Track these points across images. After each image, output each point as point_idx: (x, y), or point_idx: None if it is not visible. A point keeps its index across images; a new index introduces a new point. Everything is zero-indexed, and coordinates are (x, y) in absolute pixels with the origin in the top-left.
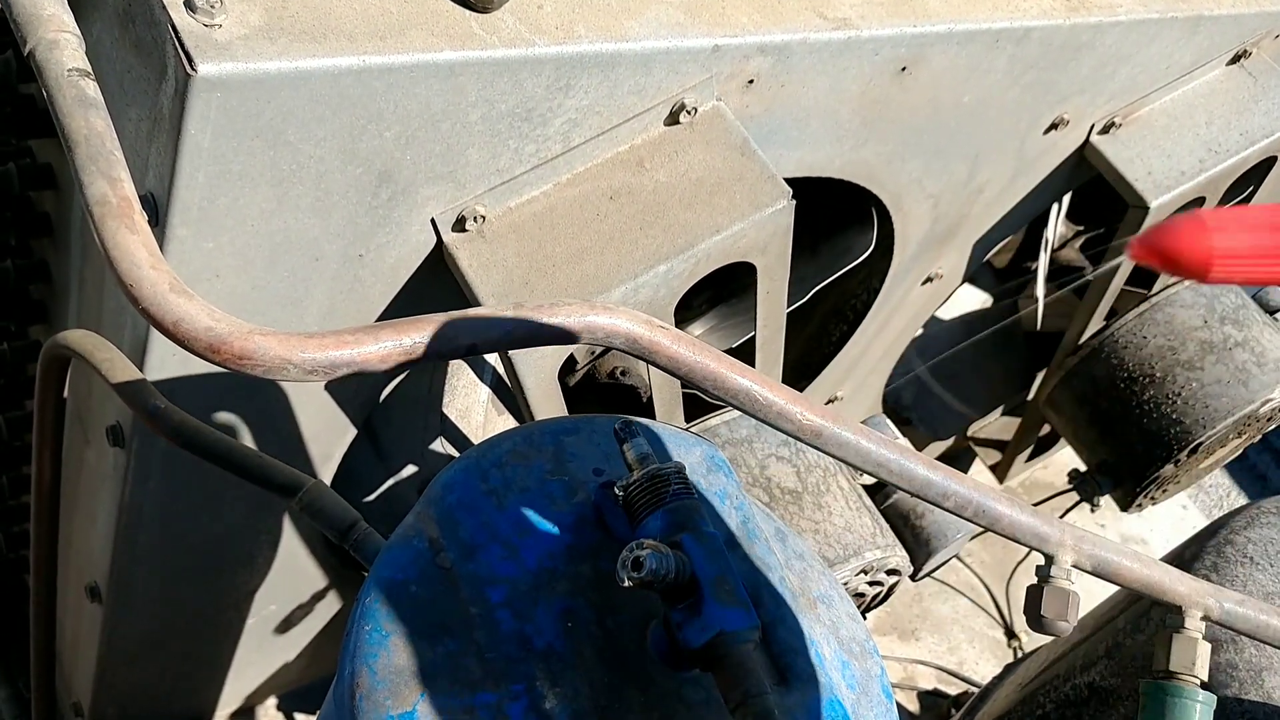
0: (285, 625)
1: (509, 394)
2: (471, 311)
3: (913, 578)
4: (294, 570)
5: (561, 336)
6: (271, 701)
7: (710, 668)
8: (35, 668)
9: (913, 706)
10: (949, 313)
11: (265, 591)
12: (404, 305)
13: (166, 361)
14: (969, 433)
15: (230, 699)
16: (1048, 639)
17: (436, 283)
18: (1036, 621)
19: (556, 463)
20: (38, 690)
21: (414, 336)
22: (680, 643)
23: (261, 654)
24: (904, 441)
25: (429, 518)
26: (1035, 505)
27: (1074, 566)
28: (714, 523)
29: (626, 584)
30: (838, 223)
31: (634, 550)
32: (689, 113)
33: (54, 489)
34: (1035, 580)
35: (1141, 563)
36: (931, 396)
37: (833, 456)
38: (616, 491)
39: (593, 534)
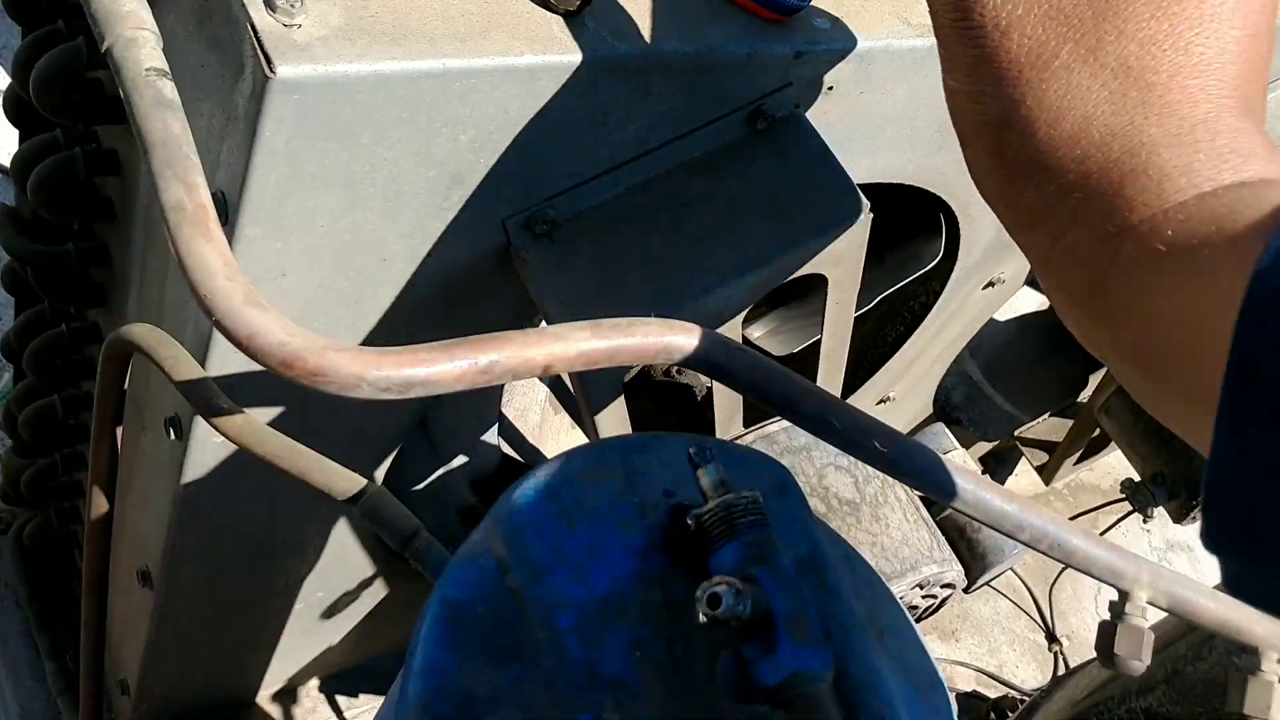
0: (331, 611)
1: (567, 393)
2: (549, 331)
3: (966, 590)
4: (343, 559)
5: (639, 356)
6: (314, 683)
7: (782, 706)
8: (85, 652)
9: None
10: (1005, 314)
11: (314, 579)
12: (470, 309)
13: (229, 359)
14: (1017, 432)
15: (274, 679)
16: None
17: (504, 286)
18: (1109, 659)
19: (627, 483)
20: (86, 669)
21: (490, 355)
22: (753, 680)
23: (307, 638)
24: (973, 465)
25: (497, 536)
26: (1085, 513)
27: (1149, 603)
28: (785, 550)
29: (702, 620)
30: (904, 230)
31: (710, 586)
32: (766, 120)
33: (110, 480)
34: (1108, 616)
35: (1219, 601)
36: (983, 397)
37: (908, 485)
38: (689, 520)
39: (662, 559)
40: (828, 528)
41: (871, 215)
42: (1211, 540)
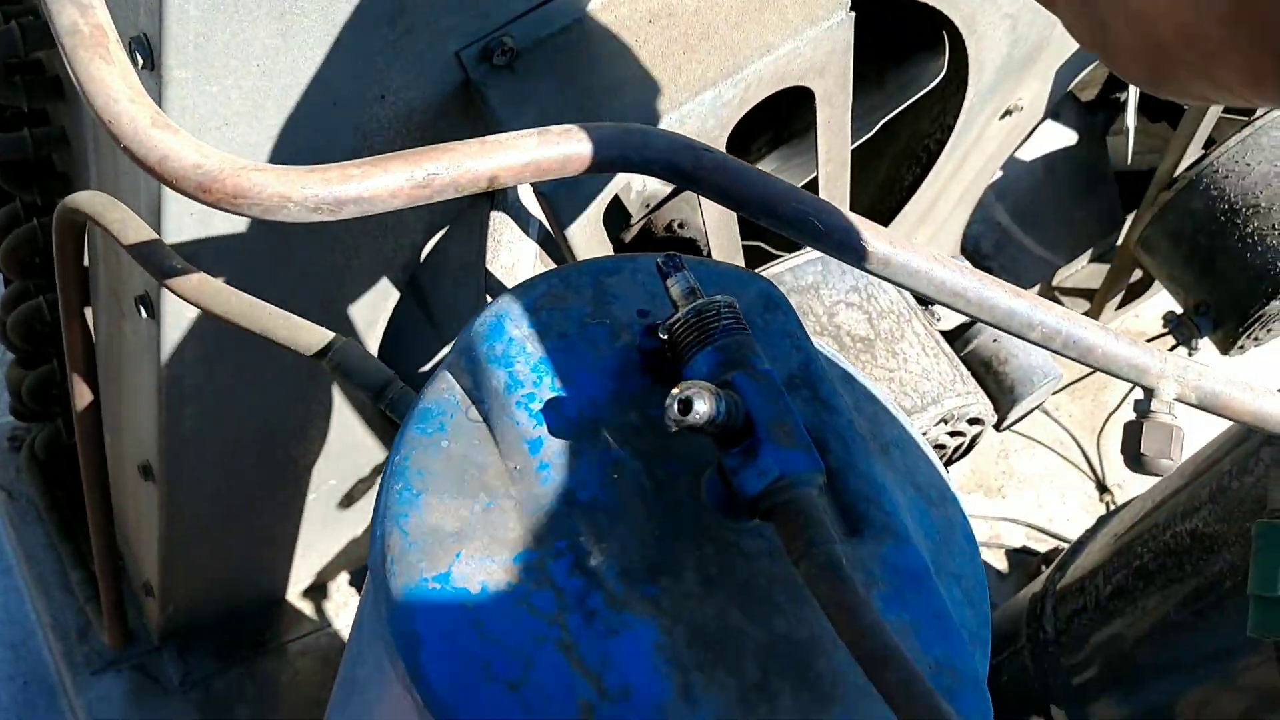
0: (348, 500)
1: (558, 249)
2: (491, 139)
3: (996, 427)
4: (350, 443)
5: (594, 164)
6: (344, 577)
7: (770, 517)
8: (97, 549)
9: (1001, 565)
10: (1030, 152)
11: (323, 466)
12: None
13: (184, 222)
14: (1054, 282)
15: (301, 576)
16: (1142, 493)
17: (468, 125)
18: (1136, 461)
19: (597, 305)
20: (103, 571)
21: (427, 167)
22: (736, 490)
23: (327, 530)
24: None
25: (460, 369)
26: None
27: (1176, 400)
28: (772, 362)
29: (674, 429)
30: (906, 48)
31: (681, 392)
32: None
33: (89, 363)
34: (1133, 416)
35: (1253, 393)
36: (1013, 243)
37: (903, 287)
38: (660, 334)
39: (638, 379)
40: (823, 346)
41: (854, 16)
42: None
